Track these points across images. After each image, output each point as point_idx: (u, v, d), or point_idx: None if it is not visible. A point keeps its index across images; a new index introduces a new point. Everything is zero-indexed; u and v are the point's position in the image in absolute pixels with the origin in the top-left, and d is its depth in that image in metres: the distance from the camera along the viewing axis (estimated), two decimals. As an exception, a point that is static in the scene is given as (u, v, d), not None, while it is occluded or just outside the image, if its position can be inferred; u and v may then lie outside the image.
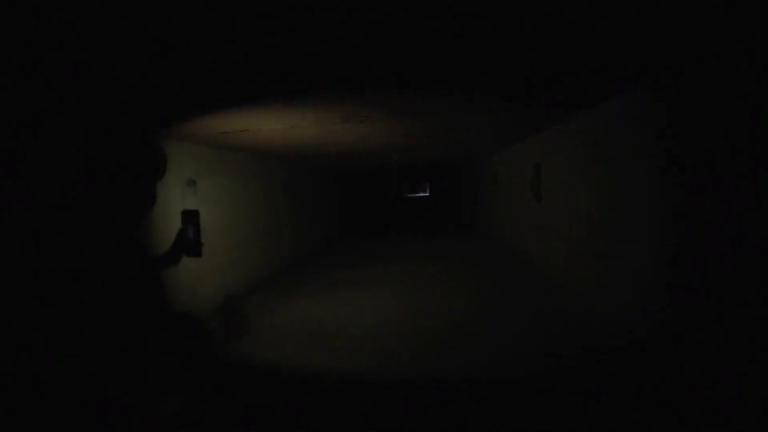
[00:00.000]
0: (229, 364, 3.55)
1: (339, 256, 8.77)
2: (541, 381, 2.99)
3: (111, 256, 1.18)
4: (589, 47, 2.18)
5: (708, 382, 2.64)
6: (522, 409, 2.66)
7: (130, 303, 1.22)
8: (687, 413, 2.47)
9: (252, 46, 2.00)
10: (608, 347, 3.47)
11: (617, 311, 3.93)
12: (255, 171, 6.43)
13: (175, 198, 4.32)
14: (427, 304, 5.02)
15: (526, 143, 6.92)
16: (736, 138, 2.39)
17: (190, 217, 1.64)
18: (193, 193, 4.65)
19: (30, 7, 1.51)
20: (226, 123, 3.80)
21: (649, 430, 2.37)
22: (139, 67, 2.20)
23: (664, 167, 3.07)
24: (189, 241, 1.62)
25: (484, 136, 6.01)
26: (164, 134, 4.01)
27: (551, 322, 4.16)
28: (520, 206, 7.48)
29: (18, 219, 2.36)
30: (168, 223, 3.86)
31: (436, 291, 5.58)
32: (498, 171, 9.14)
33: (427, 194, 22.59)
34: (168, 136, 4.12)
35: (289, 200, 8.07)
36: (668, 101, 2.99)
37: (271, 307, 5.15)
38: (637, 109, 3.40)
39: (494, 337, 3.88)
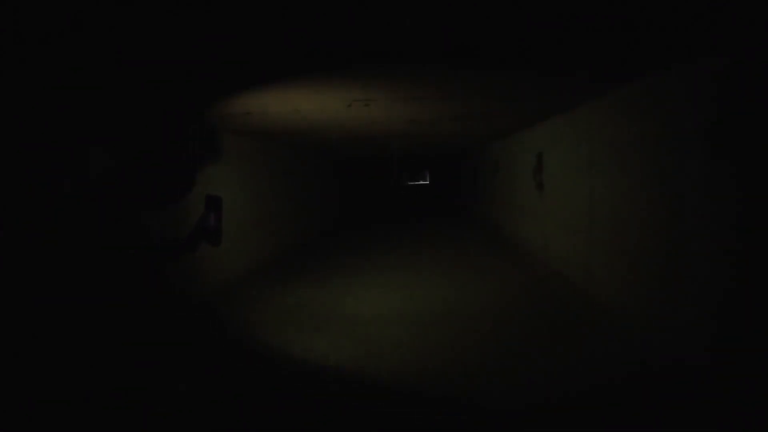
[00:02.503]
0: (234, 348, 3.57)
1: (340, 242, 8.77)
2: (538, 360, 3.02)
3: (121, 247, 1.18)
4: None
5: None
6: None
7: (147, 293, 1.24)
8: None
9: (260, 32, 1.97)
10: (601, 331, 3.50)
11: (618, 301, 3.95)
12: (255, 155, 6.39)
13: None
14: (425, 291, 5.03)
15: (528, 132, 6.88)
16: None
17: (213, 204, 1.58)
18: (198, 176, 4.62)
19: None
20: (230, 105, 3.77)
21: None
22: (163, 54, 2.19)
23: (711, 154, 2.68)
24: (210, 229, 1.56)
25: (488, 124, 5.97)
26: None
27: (550, 313, 4.18)
28: (521, 195, 7.47)
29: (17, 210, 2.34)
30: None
31: (435, 279, 5.60)
32: (499, 159, 9.10)
33: (428, 182, 22.56)
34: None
35: (290, 186, 8.04)
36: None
37: (273, 291, 5.16)
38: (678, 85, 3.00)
39: (491, 328, 3.91)
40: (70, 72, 2.33)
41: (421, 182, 23.98)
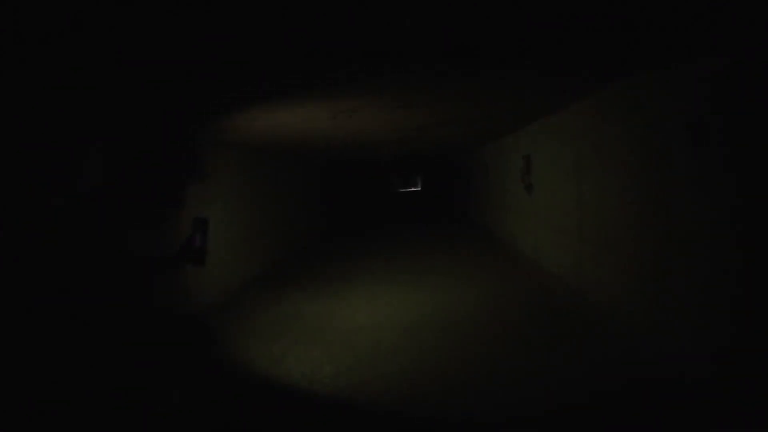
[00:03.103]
0: (226, 360, 3.54)
1: (332, 251, 8.76)
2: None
3: (109, 261, 1.20)
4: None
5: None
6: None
7: (135, 305, 1.25)
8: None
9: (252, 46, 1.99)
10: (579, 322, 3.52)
11: (611, 299, 3.98)
12: (243, 167, 6.39)
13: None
14: (419, 297, 5.04)
15: (515, 134, 6.95)
16: None
17: (200, 225, 1.64)
18: (184, 191, 4.61)
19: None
20: (217, 121, 3.77)
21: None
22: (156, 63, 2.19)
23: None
24: (195, 249, 1.62)
25: (476, 128, 6.02)
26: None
27: (543, 316, 4.21)
28: (511, 197, 7.52)
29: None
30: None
31: (429, 285, 5.60)
32: (489, 163, 9.17)
33: (420, 188, 22.63)
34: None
35: (280, 196, 8.04)
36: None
37: (268, 302, 5.14)
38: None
39: (485, 334, 3.92)
40: (70, 77, 2.32)
41: (413, 188, 24.05)
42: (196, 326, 4.37)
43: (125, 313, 1.22)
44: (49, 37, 1.75)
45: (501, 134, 7.24)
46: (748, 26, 2.12)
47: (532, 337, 3.60)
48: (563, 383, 2.81)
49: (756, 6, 1.90)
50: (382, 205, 18.65)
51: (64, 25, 1.67)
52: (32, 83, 2.28)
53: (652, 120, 3.20)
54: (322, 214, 11.54)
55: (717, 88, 2.56)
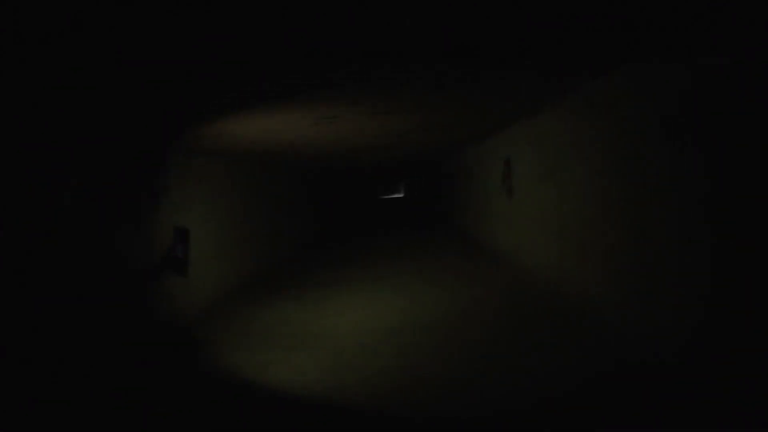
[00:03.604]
0: (212, 368, 3.51)
1: (317, 259, 8.74)
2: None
3: (91, 266, 1.21)
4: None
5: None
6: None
7: (118, 313, 1.26)
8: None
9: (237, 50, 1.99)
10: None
11: (593, 297, 4.07)
12: (226, 175, 6.36)
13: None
14: (402, 302, 5.07)
15: (496, 138, 7.07)
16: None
17: (180, 235, 1.64)
18: (166, 201, 4.57)
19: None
20: (199, 129, 3.76)
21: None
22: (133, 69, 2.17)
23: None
24: (177, 259, 1.62)
25: (455, 133, 6.11)
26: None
27: (527, 315, 4.27)
28: (493, 201, 7.62)
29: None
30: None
31: (412, 290, 5.64)
32: (470, 167, 9.29)
33: (403, 194, 22.71)
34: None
35: (264, 204, 8.01)
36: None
37: (251, 309, 5.10)
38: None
39: (469, 335, 3.97)
40: (52, 83, 2.29)
41: (397, 194, 24.13)
42: (179, 334, 4.31)
43: (109, 319, 1.23)
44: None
45: (481, 139, 7.36)
46: (724, 33, 2.19)
47: (516, 334, 3.66)
48: (545, 377, 2.87)
49: (731, 14, 1.97)
50: (367, 212, 18.66)
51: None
52: (22, 93, 2.26)
53: (627, 121, 3.30)
54: (308, 221, 11.51)
55: (692, 90, 2.65)
